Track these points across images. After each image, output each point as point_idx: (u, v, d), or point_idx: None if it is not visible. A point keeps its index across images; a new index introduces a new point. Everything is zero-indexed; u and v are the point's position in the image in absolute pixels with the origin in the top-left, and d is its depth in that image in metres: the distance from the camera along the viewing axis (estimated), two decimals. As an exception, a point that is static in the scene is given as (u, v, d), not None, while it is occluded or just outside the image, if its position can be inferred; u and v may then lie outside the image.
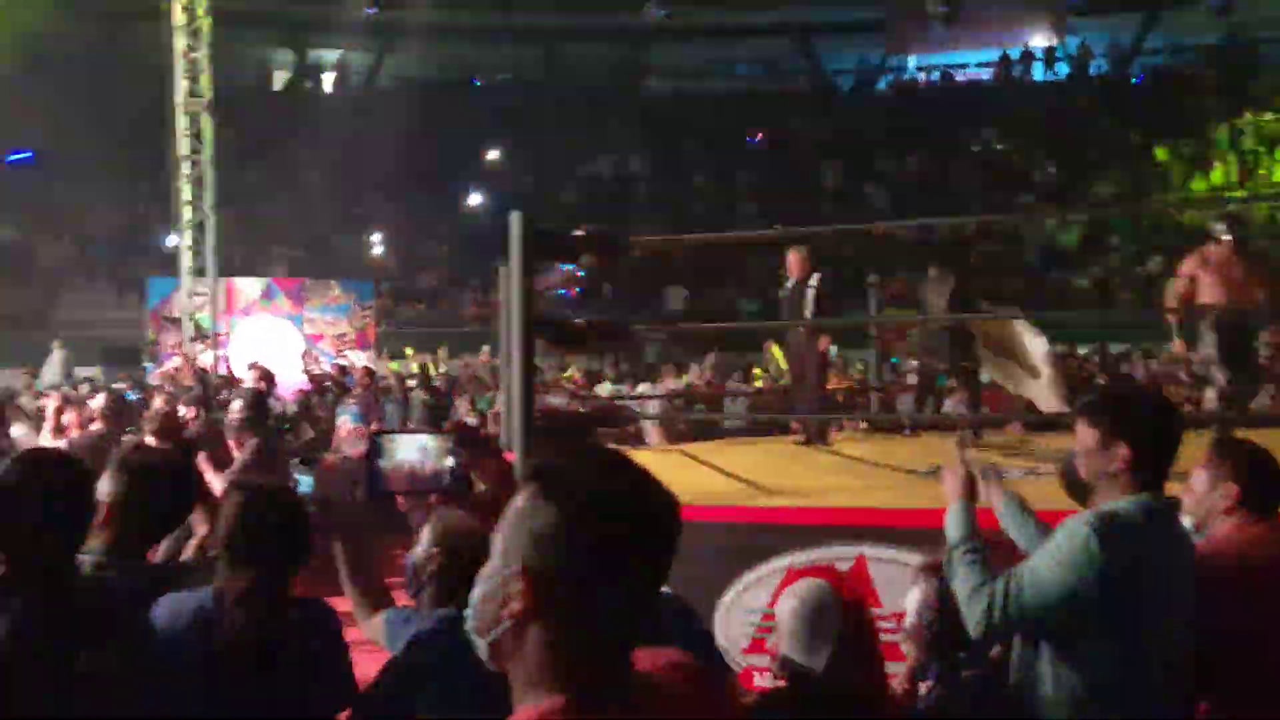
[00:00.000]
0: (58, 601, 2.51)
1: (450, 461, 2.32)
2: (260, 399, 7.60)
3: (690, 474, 6.91)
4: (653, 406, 11.86)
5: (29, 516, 2.59)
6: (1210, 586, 2.86)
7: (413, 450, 2.36)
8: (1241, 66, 30.80)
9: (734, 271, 25.25)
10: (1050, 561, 2.76)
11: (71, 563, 2.67)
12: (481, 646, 1.45)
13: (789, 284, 8.93)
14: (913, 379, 11.09)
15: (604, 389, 13.35)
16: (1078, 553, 2.71)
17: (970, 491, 3.13)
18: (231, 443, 6.17)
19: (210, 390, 10.70)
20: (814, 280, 8.73)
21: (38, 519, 2.60)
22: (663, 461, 7.70)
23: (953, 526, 3.04)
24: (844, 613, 2.85)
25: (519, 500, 1.45)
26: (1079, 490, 3.02)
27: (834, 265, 23.27)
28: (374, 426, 8.99)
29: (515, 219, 5.34)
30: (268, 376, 9.18)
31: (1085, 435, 2.93)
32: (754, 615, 4.88)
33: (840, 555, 4.79)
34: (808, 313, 8.59)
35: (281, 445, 8.55)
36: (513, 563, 1.41)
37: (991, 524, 3.26)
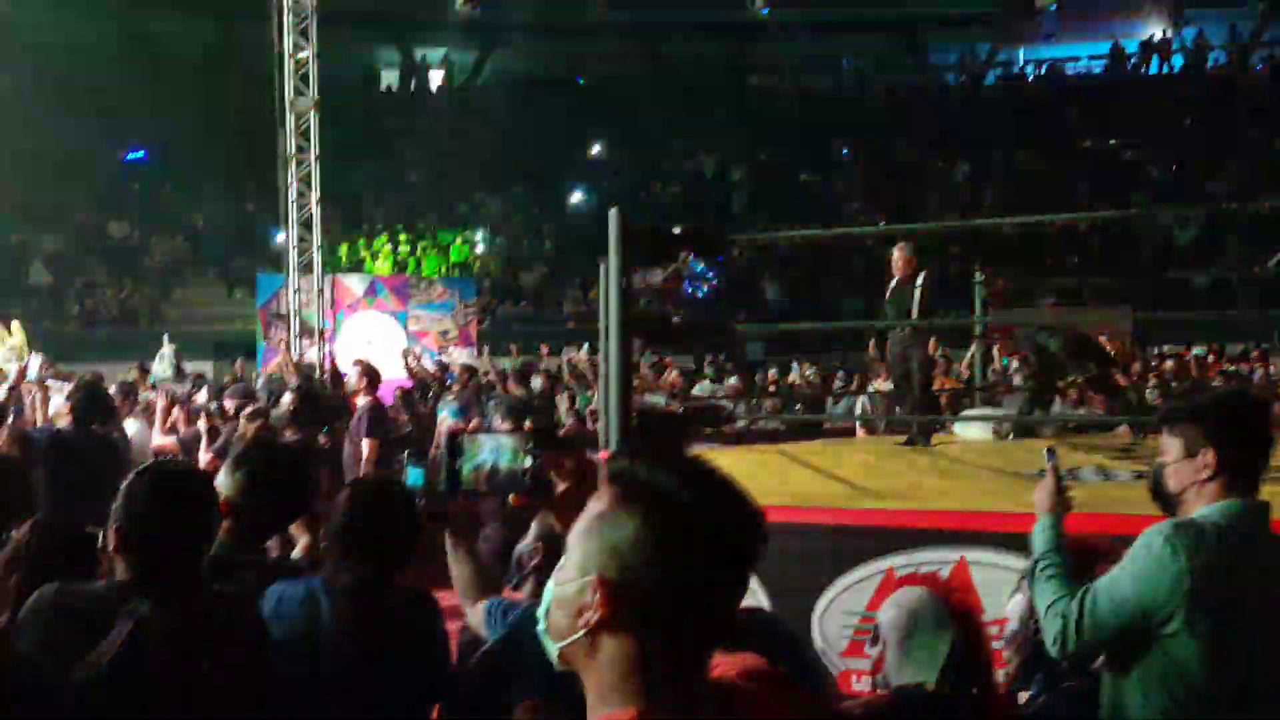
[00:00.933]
0: (184, 605, 2.56)
1: (529, 462, 2.31)
2: (311, 394, 7.76)
3: (791, 474, 6.85)
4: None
5: (159, 531, 2.63)
6: None
7: (492, 450, 2.36)
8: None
9: (840, 269, 25.01)
10: (1126, 574, 2.71)
11: (198, 568, 2.72)
12: (553, 651, 1.44)
13: (893, 283, 8.82)
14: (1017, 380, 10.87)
15: (702, 388, 13.30)
16: (1153, 563, 2.66)
17: (1059, 505, 3.06)
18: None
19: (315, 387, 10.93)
20: (920, 280, 8.61)
21: (169, 534, 2.64)
22: (762, 462, 7.66)
23: (1038, 540, 2.99)
24: (955, 624, 2.82)
25: (598, 505, 1.42)
26: (1167, 501, 2.92)
27: (941, 261, 23.11)
28: (474, 423, 9.07)
29: (613, 216, 5.34)
30: (371, 373, 9.27)
31: (1169, 445, 2.87)
32: (853, 618, 4.82)
33: (942, 559, 4.72)
34: (913, 312, 8.47)
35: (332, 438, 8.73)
36: (590, 571, 1.39)
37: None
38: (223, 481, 3.21)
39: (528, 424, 2.15)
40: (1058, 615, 2.76)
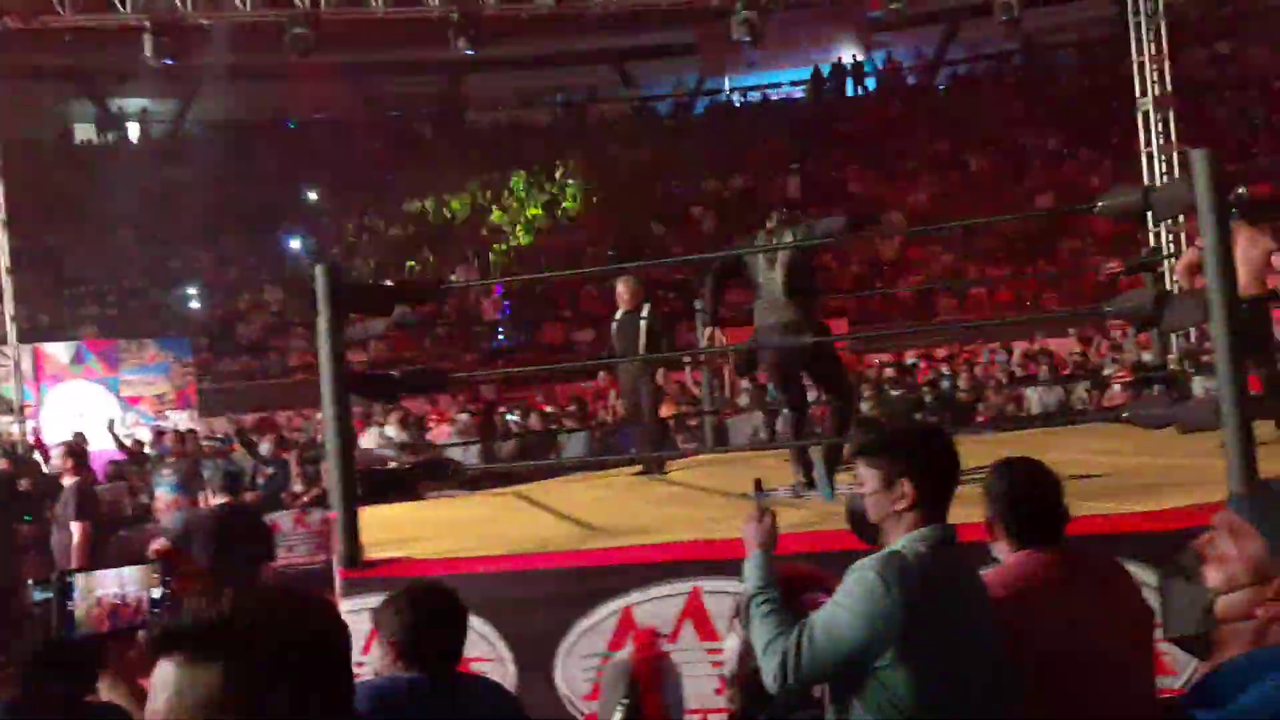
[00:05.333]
0: None
1: (157, 591, 2.10)
2: (7, 477, 7.29)
3: (526, 518, 6.79)
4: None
5: None
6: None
7: (112, 583, 2.13)
8: (1038, 74, 32.39)
9: (570, 302, 25.23)
10: (841, 609, 2.75)
11: None
12: None
13: (619, 314, 8.87)
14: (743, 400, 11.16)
15: (439, 434, 13.09)
16: (866, 597, 2.71)
17: (768, 539, 3.10)
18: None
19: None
20: (645, 310, 8.70)
21: None
22: (498, 507, 7.57)
23: (749, 576, 3.02)
24: (630, 687, 2.92)
25: (165, 674, 1.28)
26: (867, 530, 3.01)
27: (668, 289, 23.59)
28: (200, 496, 8.63)
29: (320, 273, 5.15)
30: (76, 450, 8.65)
31: (867, 476, 2.95)
32: (593, 660, 4.77)
33: (676, 591, 4.74)
34: (641, 342, 8.54)
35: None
36: None
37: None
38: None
39: (155, 547, 1.96)
40: (776, 652, 2.77)
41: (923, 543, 2.82)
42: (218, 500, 6.96)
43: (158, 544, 5.12)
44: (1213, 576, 1.85)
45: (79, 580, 2.08)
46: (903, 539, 2.85)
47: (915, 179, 29.38)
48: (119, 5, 15.35)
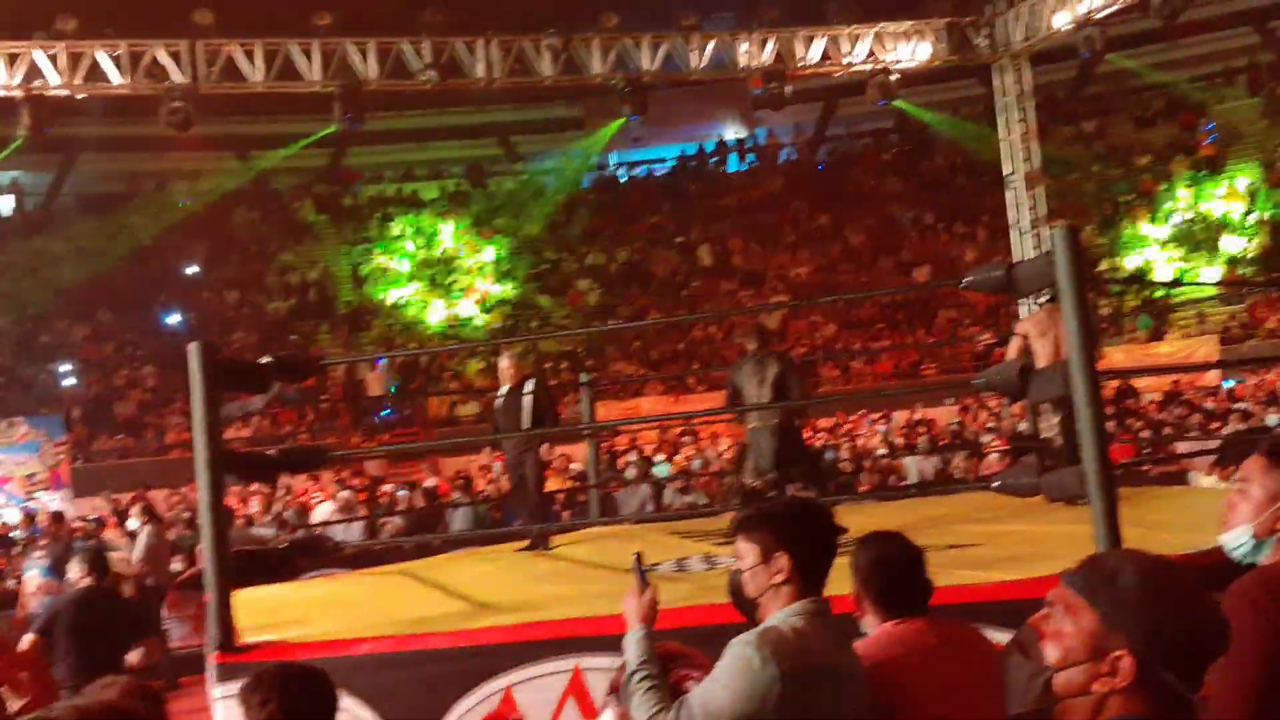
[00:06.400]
0: None
1: None
2: None
3: (409, 596, 6.69)
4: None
5: None
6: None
7: None
8: (914, 148, 33.44)
9: (456, 378, 25.12)
10: (718, 685, 2.78)
11: None
12: None
13: (503, 389, 8.85)
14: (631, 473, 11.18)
15: (322, 511, 12.86)
16: (743, 673, 2.74)
17: (649, 614, 3.11)
18: None
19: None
20: (529, 385, 8.69)
21: None
22: (380, 586, 7.45)
23: (630, 651, 3.03)
24: None
25: None
26: (745, 605, 3.04)
27: (554, 360, 23.62)
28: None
29: (193, 350, 5.08)
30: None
31: (745, 550, 2.99)
32: (474, 743, 4.71)
33: (557, 669, 4.71)
34: (525, 418, 8.52)
35: None
36: None
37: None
38: None
39: None
40: None
41: (799, 616, 2.86)
42: (83, 582, 6.65)
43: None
44: (1050, 652, 1.88)
45: None
46: (780, 613, 2.88)
47: (796, 251, 29.99)
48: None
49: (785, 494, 8.33)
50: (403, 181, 33.94)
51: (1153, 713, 1.79)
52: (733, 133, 36.46)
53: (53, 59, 15.26)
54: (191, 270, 30.24)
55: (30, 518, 13.34)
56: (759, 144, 36.46)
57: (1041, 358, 7.92)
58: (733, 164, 35.91)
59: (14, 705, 1.97)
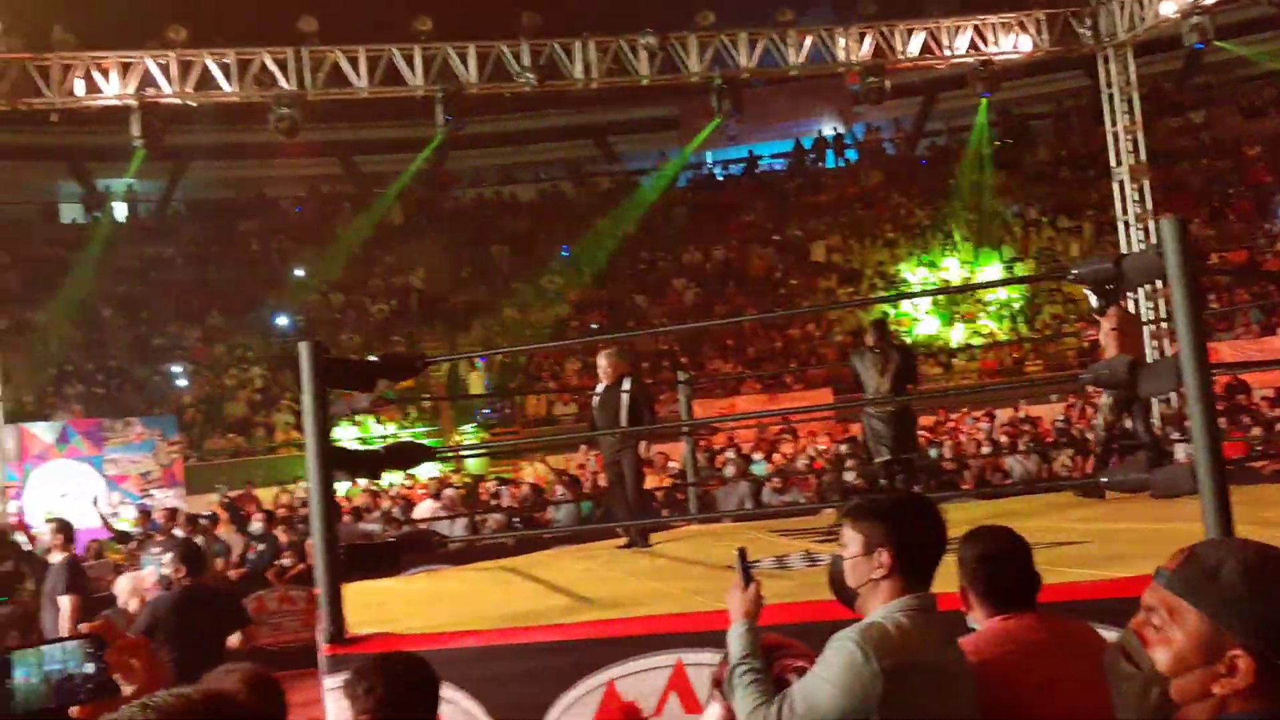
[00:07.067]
0: None
1: (90, 667, 2.07)
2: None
3: (512, 592, 6.79)
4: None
5: None
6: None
7: (51, 660, 2.10)
8: (1016, 141, 32.81)
9: (553, 375, 25.31)
10: (821, 680, 2.77)
11: None
12: None
13: (600, 387, 8.89)
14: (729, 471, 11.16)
15: (423, 509, 13.06)
16: (847, 668, 2.73)
17: (753, 609, 3.11)
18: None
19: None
20: (627, 384, 8.71)
21: None
22: (485, 581, 7.56)
23: (733, 645, 3.03)
24: None
25: None
26: (846, 593, 3.02)
27: (651, 359, 23.68)
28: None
29: (304, 349, 5.20)
30: (64, 528, 8.63)
31: (850, 539, 2.97)
32: (579, 735, 4.76)
33: (660, 664, 4.74)
34: (623, 415, 8.54)
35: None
36: None
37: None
38: None
39: (84, 627, 1.94)
40: None
41: (902, 612, 2.84)
42: (180, 579, 6.77)
43: (85, 625, 5.09)
44: (1160, 659, 1.81)
45: (28, 656, 2.06)
46: (883, 609, 2.87)
47: (894, 248, 29.66)
48: (105, 86, 15.54)
49: (897, 485, 8.49)
50: (501, 184, 34.29)
51: (1274, 705, 1.75)
52: (830, 128, 36.13)
53: (164, 68, 15.70)
54: (298, 273, 30.92)
55: (146, 514, 13.73)
56: (857, 139, 36.12)
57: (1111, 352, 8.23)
58: (830, 160, 35.60)
59: (126, 690, 2.02)
